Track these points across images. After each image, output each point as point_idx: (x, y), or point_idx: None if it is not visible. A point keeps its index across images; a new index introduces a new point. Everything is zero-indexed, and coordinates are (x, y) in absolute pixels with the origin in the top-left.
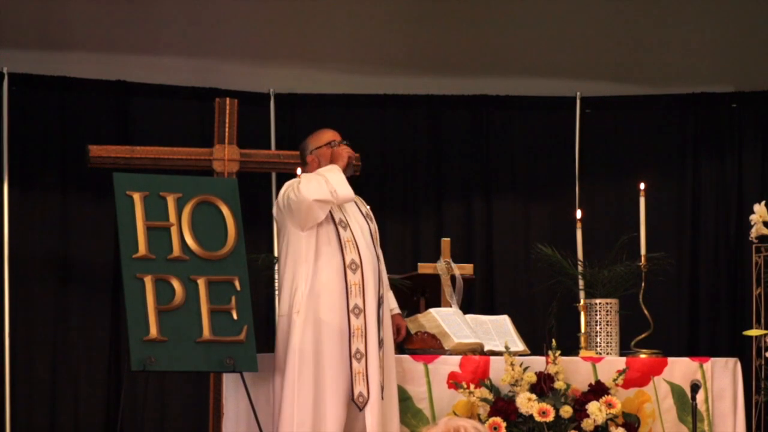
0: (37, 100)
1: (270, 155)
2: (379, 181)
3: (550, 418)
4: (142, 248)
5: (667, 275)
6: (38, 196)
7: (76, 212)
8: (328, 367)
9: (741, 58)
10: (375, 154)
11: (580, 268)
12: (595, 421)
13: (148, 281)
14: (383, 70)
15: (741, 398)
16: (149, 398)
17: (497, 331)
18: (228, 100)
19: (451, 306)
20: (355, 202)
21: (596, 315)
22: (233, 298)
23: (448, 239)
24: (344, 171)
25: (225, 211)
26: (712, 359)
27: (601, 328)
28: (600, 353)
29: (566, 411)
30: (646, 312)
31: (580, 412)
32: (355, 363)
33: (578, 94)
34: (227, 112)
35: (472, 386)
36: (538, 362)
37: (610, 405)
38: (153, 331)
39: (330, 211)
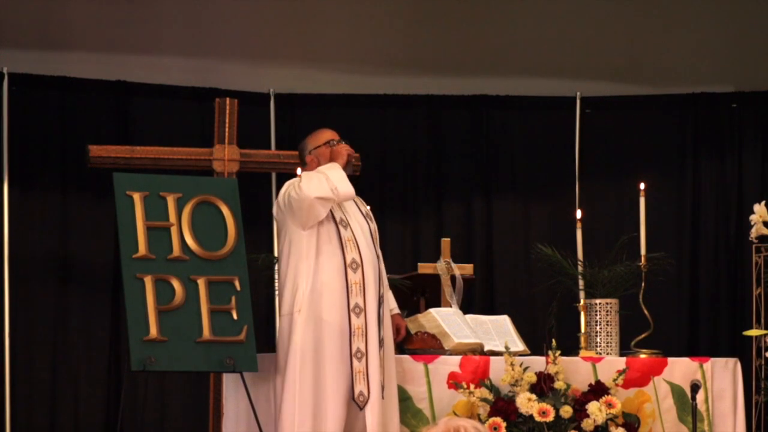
0: (37, 100)
1: (270, 155)
2: (379, 181)
3: (550, 418)
4: (142, 248)
5: (667, 275)
6: (38, 196)
7: (76, 212)
8: (329, 366)
9: (741, 58)
10: (375, 154)
11: (580, 268)
12: (595, 421)
13: (148, 281)
14: (383, 70)
15: (741, 398)
16: (149, 398)
17: (497, 331)
18: (228, 100)
19: (451, 306)
20: (355, 202)
21: (596, 315)
22: (233, 298)
23: (448, 239)
24: (344, 169)
25: (225, 211)
26: (712, 359)
27: (601, 328)
28: (600, 353)
29: (566, 411)
30: (646, 312)
31: (580, 412)
32: (355, 362)
33: (578, 94)
34: (227, 112)
35: (472, 386)
36: (538, 362)
37: (610, 405)
38: (153, 331)
39: (331, 210)
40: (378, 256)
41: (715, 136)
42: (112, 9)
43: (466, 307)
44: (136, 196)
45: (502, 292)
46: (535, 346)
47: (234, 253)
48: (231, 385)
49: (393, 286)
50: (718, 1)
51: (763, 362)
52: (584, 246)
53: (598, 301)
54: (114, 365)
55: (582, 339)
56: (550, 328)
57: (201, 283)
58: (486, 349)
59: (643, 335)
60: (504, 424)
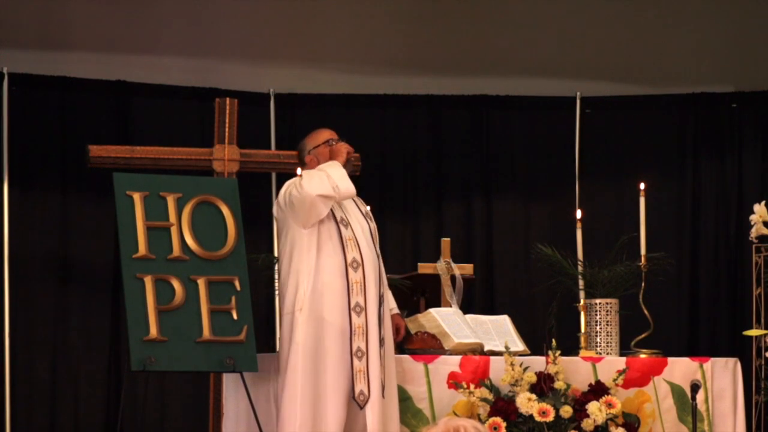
0: (37, 100)
1: (270, 155)
2: (379, 181)
3: (550, 418)
4: (142, 248)
5: (667, 275)
6: (38, 196)
7: (76, 212)
8: (329, 365)
9: (741, 58)
10: (375, 154)
11: (580, 268)
12: (595, 421)
13: (148, 281)
14: (383, 70)
15: (741, 398)
16: (149, 398)
17: (497, 331)
18: (228, 100)
19: (451, 306)
20: (355, 201)
21: (596, 315)
22: (233, 298)
23: (448, 239)
24: (344, 167)
25: (225, 211)
26: (712, 359)
27: (601, 328)
28: (600, 353)
29: (566, 411)
30: (646, 312)
31: (580, 412)
32: (356, 361)
33: (578, 94)
34: (227, 112)
35: (472, 386)
36: (538, 362)
37: (610, 405)
38: (153, 331)
39: (331, 210)
40: (378, 256)
41: (715, 136)
42: (112, 9)
43: (466, 307)
44: (136, 196)
45: (502, 292)
46: (535, 346)
47: (234, 253)
48: (231, 385)
49: (393, 286)
50: (718, 1)
51: (763, 362)
52: (584, 246)
53: (598, 301)
54: (114, 365)
55: (582, 339)
56: (550, 328)
57: (201, 283)
58: (486, 349)
59: (643, 335)
60: (504, 424)
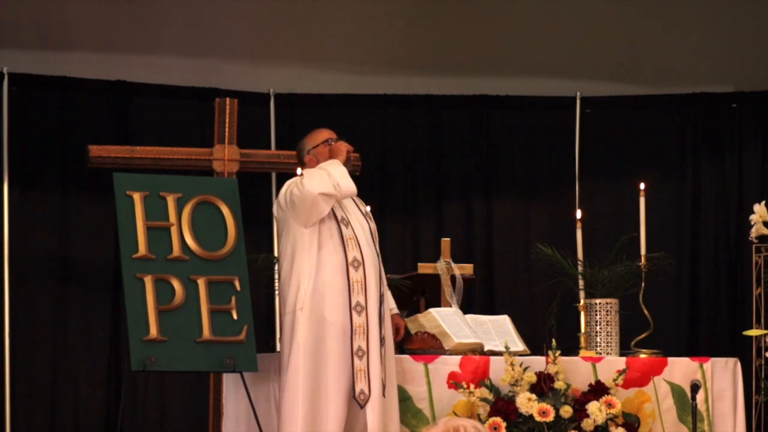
0: (37, 100)
1: (270, 155)
2: (379, 181)
3: (550, 418)
4: (142, 248)
5: (667, 275)
6: (38, 196)
7: (76, 212)
8: (330, 365)
9: (741, 58)
10: (375, 154)
11: (580, 268)
12: (595, 421)
13: (148, 281)
14: (383, 70)
15: (741, 398)
16: (149, 398)
17: (497, 331)
18: (228, 100)
19: (451, 306)
20: (355, 201)
21: (596, 315)
22: (233, 298)
23: (448, 239)
24: (344, 166)
25: (225, 211)
26: (712, 359)
27: (601, 328)
28: (600, 353)
29: (566, 411)
30: (646, 312)
31: (580, 412)
32: (356, 360)
33: (578, 94)
34: (227, 112)
35: (472, 386)
36: (538, 362)
37: (610, 405)
38: (153, 331)
39: (332, 209)
40: (378, 255)
41: (715, 136)
42: (112, 9)
43: (466, 307)
44: (136, 196)
45: (502, 292)
46: (535, 346)
47: (234, 253)
48: (231, 385)
49: (393, 286)
50: (718, 1)
51: (763, 362)
52: (584, 246)
53: (598, 301)
54: (114, 365)
55: (582, 339)
56: (550, 328)
57: (201, 283)
58: (486, 349)
59: (643, 335)
60: (504, 424)
